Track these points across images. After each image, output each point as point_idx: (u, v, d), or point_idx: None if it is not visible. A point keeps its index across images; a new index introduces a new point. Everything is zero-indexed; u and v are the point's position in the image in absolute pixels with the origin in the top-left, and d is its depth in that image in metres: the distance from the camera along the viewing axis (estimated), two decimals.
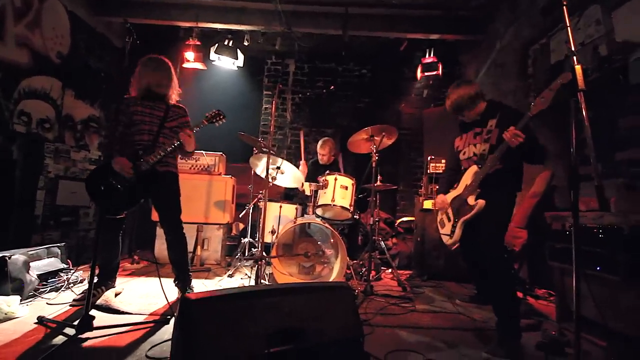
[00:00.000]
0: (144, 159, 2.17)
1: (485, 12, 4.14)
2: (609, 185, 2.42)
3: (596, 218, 1.98)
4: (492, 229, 1.91)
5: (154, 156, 2.19)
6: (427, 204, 3.58)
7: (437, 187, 3.51)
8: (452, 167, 2.32)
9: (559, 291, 2.28)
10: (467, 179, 2.07)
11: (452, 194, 2.18)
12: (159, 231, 3.57)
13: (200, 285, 2.72)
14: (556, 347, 1.82)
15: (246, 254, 3.40)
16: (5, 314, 1.88)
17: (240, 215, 3.68)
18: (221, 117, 2.40)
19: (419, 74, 4.51)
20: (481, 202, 1.94)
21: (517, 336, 1.78)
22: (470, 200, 2.00)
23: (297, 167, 3.37)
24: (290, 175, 3.20)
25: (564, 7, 1.45)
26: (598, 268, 1.90)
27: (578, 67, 1.35)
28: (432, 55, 4.43)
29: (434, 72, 4.39)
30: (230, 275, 3.07)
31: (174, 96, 2.41)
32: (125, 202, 2.12)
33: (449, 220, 2.18)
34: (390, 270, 3.54)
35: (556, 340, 1.86)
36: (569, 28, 1.41)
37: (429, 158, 3.72)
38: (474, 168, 2.03)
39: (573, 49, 1.39)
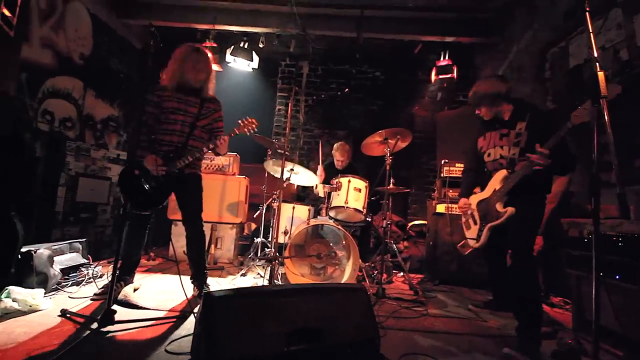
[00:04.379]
0: (173, 163, 2.17)
1: (502, 14, 4.10)
2: (628, 192, 2.37)
3: (615, 226, 1.95)
4: (523, 236, 1.87)
5: (184, 161, 2.20)
6: (440, 208, 3.56)
7: (455, 190, 3.49)
8: (472, 167, 2.25)
9: (576, 299, 2.24)
10: (495, 182, 2.00)
11: (478, 196, 2.12)
12: (175, 229, 3.64)
13: (214, 284, 2.76)
14: (572, 356, 1.79)
15: (259, 254, 3.44)
16: (30, 306, 1.95)
17: (254, 216, 3.72)
18: (254, 126, 2.40)
19: (433, 77, 4.49)
20: (511, 209, 1.89)
21: (537, 343, 1.76)
22: (499, 207, 1.94)
23: (314, 171, 3.38)
24: (304, 175, 3.23)
25: (587, 12, 1.44)
26: (617, 277, 1.87)
27: (601, 74, 1.34)
28: (446, 57, 4.41)
29: (449, 75, 4.36)
30: (243, 275, 3.11)
31: (210, 90, 2.35)
32: (153, 200, 2.16)
33: (475, 223, 2.12)
34: (401, 273, 3.53)
35: (572, 349, 1.83)
36: (591, 34, 1.40)
37: (442, 162, 3.70)
38: (503, 172, 1.96)
39: (596, 55, 1.38)
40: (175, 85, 2.23)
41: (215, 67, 4.53)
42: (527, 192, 1.88)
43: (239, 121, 2.39)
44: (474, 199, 2.15)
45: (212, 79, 2.33)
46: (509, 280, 2.09)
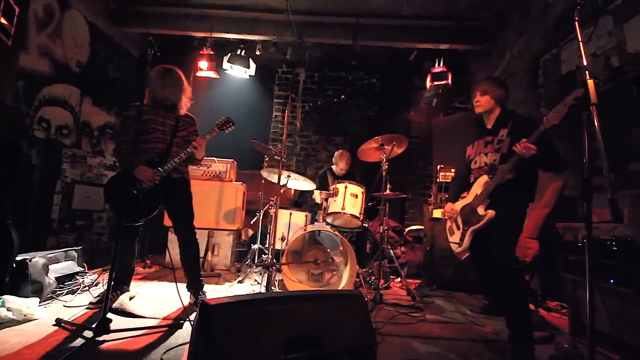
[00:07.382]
0: (161, 167, 2.23)
1: (495, 22, 4.17)
2: (621, 196, 2.39)
3: (609, 230, 1.97)
4: (503, 240, 1.89)
5: (171, 164, 2.25)
6: (437, 213, 3.58)
7: (447, 195, 3.52)
8: (461, 175, 2.30)
9: (572, 303, 2.26)
10: (477, 188, 2.05)
11: (462, 202, 2.17)
12: (171, 236, 3.62)
13: (211, 291, 2.75)
14: None
15: (256, 261, 3.43)
16: (25, 315, 1.93)
17: (251, 222, 3.71)
18: (230, 124, 2.48)
19: (428, 83, 4.54)
20: (491, 212, 1.92)
21: (531, 348, 1.77)
22: (480, 210, 1.98)
23: (311, 179, 3.39)
24: (301, 180, 3.24)
25: (576, 22, 1.48)
26: (612, 281, 1.89)
27: (590, 81, 1.37)
28: (441, 64, 4.46)
29: (444, 82, 4.42)
30: (241, 281, 3.10)
31: (184, 107, 2.48)
32: (144, 210, 2.16)
33: (458, 228, 2.16)
34: (399, 279, 3.53)
35: (569, 354, 1.84)
36: (581, 43, 1.43)
37: (438, 167, 3.73)
38: (484, 177, 2.02)
39: (585, 63, 1.41)
40: (152, 103, 2.36)
41: (212, 74, 4.62)
42: (507, 197, 1.91)
43: (217, 121, 2.47)
44: (459, 205, 2.19)
45: (186, 94, 2.46)
46: (496, 285, 2.12)
